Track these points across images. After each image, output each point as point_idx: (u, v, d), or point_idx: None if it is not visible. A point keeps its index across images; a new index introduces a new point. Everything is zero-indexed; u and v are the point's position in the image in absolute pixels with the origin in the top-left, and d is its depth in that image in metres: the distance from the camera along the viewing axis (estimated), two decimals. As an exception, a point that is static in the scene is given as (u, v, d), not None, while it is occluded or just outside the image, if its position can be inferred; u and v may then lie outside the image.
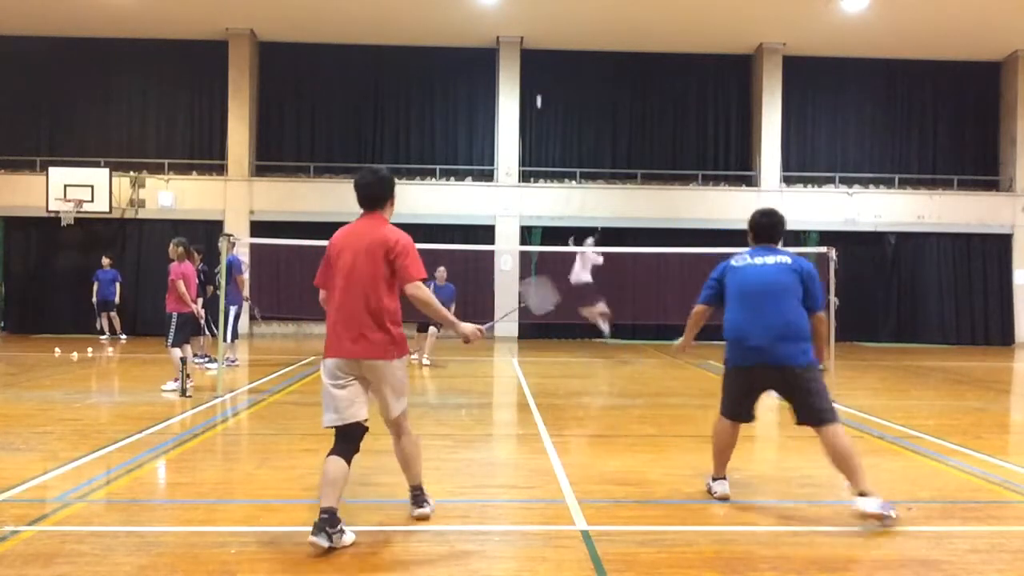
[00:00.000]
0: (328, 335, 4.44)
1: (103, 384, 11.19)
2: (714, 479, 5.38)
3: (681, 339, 5.74)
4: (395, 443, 4.72)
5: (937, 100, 21.00)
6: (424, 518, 4.69)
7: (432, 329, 13.35)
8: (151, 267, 18.34)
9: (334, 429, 4.41)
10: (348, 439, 4.39)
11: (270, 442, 7.14)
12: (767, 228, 5.37)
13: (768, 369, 5.01)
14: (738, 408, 5.24)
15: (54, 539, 4.28)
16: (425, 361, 13.28)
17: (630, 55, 20.40)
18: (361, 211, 4.62)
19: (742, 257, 5.32)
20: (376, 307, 4.38)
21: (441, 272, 13.68)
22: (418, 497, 4.76)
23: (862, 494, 4.78)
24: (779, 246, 5.42)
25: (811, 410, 4.95)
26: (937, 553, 4.26)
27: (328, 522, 4.13)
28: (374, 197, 4.59)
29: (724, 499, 5.22)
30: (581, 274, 12.87)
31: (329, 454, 4.34)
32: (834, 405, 5.06)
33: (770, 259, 5.20)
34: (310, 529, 4.13)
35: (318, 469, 5.88)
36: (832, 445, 4.87)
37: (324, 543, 4.08)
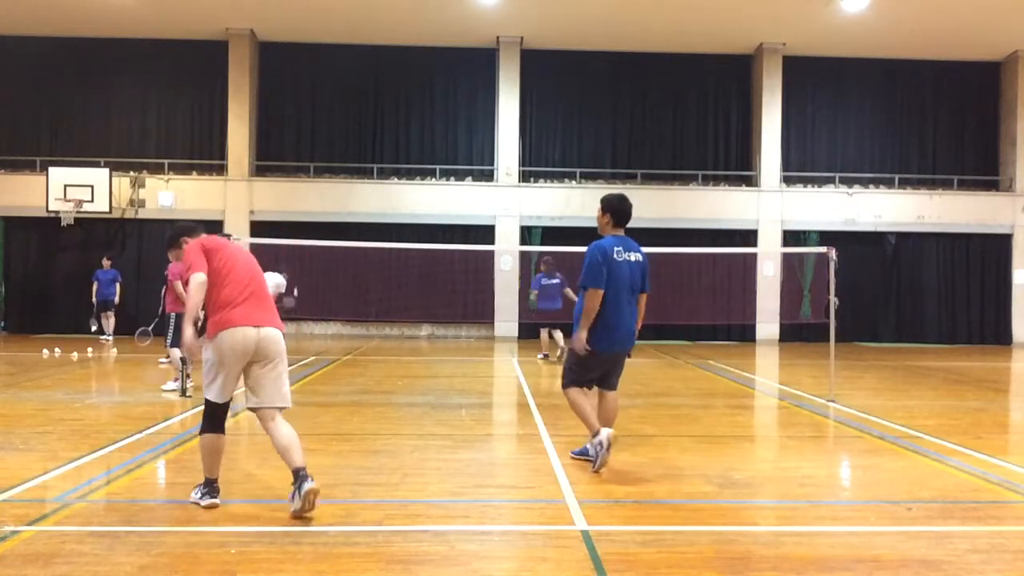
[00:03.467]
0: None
1: (103, 384, 11.18)
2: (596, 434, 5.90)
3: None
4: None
5: (937, 100, 21.00)
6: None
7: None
8: (151, 267, 18.33)
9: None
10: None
11: (270, 442, 7.12)
12: (628, 215, 6.13)
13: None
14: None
15: (54, 539, 4.28)
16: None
17: (630, 55, 20.40)
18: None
19: (614, 249, 5.94)
20: None
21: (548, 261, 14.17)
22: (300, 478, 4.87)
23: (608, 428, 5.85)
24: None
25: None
26: (937, 553, 4.26)
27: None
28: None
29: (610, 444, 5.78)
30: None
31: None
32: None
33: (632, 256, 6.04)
34: (310, 529, 4.12)
35: (318, 469, 5.88)
36: (615, 404, 6.16)
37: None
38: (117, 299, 18.07)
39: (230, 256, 4.97)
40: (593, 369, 6.04)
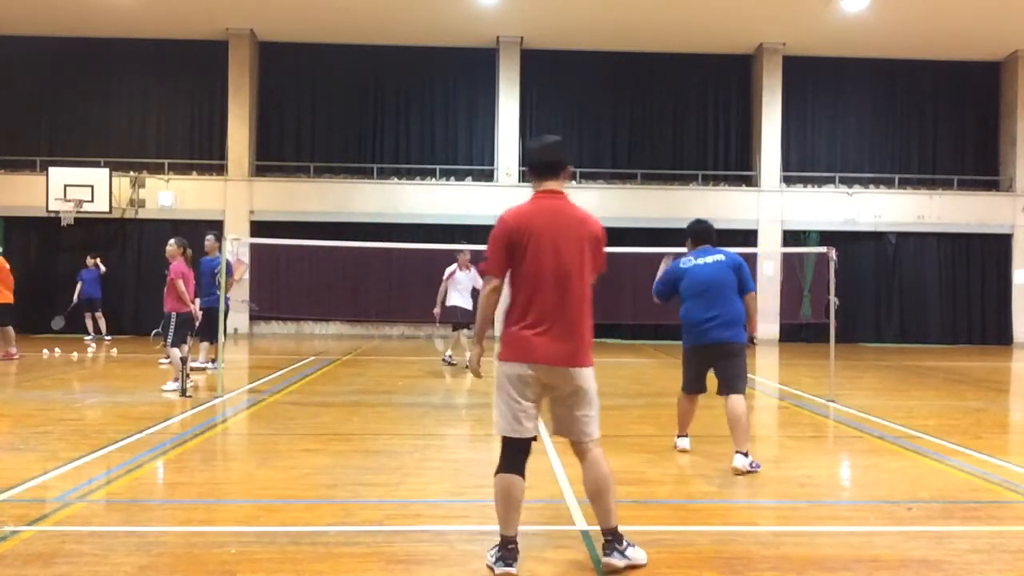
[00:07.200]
0: (522, 336, 3.93)
1: (103, 384, 11.17)
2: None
3: None
4: (586, 468, 4.04)
5: (937, 100, 20.99)
6: (612, 571, 3.85)
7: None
8: (151, 267, 18.28)
9: (505, 442, 3.98)
10: (525, 452, 3.99)
11: (270, 442, 7.14)
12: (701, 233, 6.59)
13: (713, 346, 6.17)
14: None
15: (54, 539, 4.28)
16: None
17: (630, 55, 20.39)
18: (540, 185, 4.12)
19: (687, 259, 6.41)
20: (587, 304, 3.96)
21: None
22: (609, 543, 3.92)
23: (741, 453, 5.93)
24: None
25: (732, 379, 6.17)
26: (937, 553, 4.26)
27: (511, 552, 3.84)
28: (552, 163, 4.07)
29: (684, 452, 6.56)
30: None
31: (505, 472, 3.91)
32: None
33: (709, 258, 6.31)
34: (310, 529, 4.12)
35: (318, 469, 5.90)
36: (736, 410, 6.06)
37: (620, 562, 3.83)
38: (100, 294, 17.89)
39: (530, 258, 4.16)
40: (688, 369, 6.42)
